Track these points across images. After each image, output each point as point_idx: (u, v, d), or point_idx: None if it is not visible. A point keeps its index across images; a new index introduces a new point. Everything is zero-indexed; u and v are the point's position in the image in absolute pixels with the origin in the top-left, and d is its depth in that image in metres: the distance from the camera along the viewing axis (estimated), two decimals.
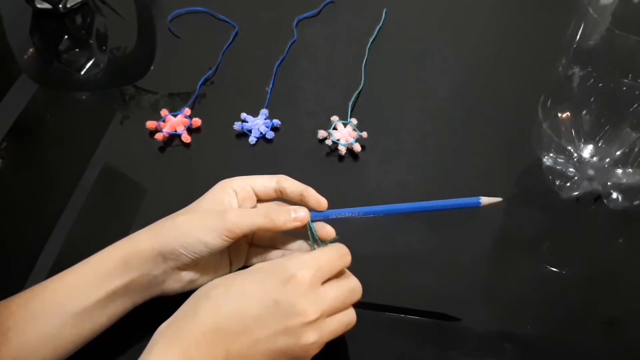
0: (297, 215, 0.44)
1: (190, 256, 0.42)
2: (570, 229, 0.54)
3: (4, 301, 0.41)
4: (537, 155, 0.55)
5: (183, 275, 0.43)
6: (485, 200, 0.43)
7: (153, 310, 0.44)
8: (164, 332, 0.37)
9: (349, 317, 0.41)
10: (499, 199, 0.43)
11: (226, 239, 0.42)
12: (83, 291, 0.41)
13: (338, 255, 0.41)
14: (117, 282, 0.41)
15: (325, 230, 0.45)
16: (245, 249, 0.47)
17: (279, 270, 0.39)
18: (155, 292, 0.44)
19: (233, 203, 0.45)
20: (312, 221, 0.45)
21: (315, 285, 0.39)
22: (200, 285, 0.44)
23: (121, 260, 0.42)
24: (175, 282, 0.43)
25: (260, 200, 0.47)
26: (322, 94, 0.66)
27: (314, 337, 0.38)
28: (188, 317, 0.38)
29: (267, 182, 0.46)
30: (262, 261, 0.46)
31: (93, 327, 0.41)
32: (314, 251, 0.42)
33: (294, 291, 0.38)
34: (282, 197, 0.47)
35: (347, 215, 0.45)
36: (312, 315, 0.38)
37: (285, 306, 0.38)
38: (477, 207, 0.43)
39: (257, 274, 0.39)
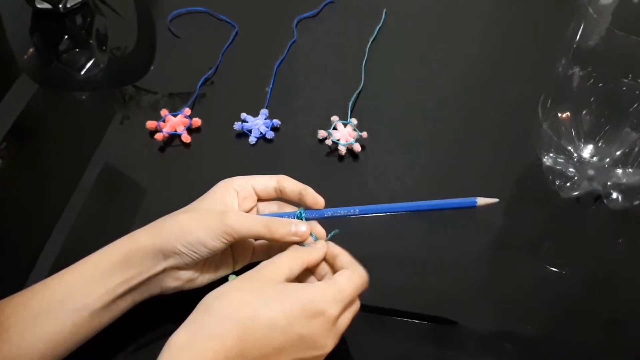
0: (298, 230, 0.43)
1: (190, 255, 0.42)
2: (570, 229, 0.54)
3: (5, 300, 0.41)
4: (537, 155, 0.55)
5: (182, 273, 0.43)
6: (481, 200, 0.42)
7: (152, 309, 0.45)
8: (183, 349, 0.36)
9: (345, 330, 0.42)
10: (495, 200, 0.43)
11: (224, 241, 0.42)
12: (83, 289, 0.41)
13: (361, 285, 0.41)
14: (117, 279, 0.41)
15: (316, 230, 0.44)
16: (250, 247, 0.47)
17: (308, 303, 0.38)
18: (154, 290, 0.43)
19: (234, 203, 0.45)
20: (308, 219, 0.45)
21: (337, 320, 0.39)
22: (200, 285, 0.45)
23: (121, 258, 0.42)
24: (175, 281, 0.43)
25: (260, 199, 0.47)
26: (322, 94, 0.66)
27: None
28: (212, 338, 0.36)
29: (267, 182, 0.46)
30: (268, 257, 0.46)
31: (93, 324, 0.41)
32: (340, 281, 0.40)
33: (319, 328, 0.38)
34: (281, 197, 0.47)
35: (342, 214, 0.45)
36: (329, 348, 0.39)
37: (308, 341, 0.38)
38: (474, 207, 0.43)
39: (284, 301, 0.38)
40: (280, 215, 0.46)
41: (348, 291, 0.40)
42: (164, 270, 0.43)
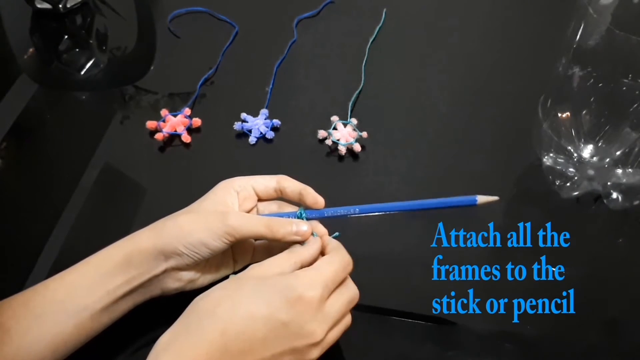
0: (299, 229, 0.43)
1: (191, 256, 0.42)
2: (570, 229, 0.54)
3: (6, 300, 0.41)
4: (537, 155, 0.55)
5: (183, 274, 0.43)
6: (481, 198, 0.43)
7: (153, 310, 0.45)
8: (166, 348, 0.36)
9: (347, 322, 0.41)
10: (495, 198, 0.43)
11: (226, 241, 0.42)
12: (84, 290, 0.41)
13: (343, 267, 0.41)
14: (118, 280, 0.41)
15: (318, 229, 0.45)
16: (251, 247, 0.47)
17: (286, 289, 0.38)
18: (155, 291, 0.43)
19: (234, 204, 0.45)
20: (308, 219, 0.45)
21: (322, 304, 0.39)
22: (201, 285, 0.45)
23: (122, 259, 0.42)
24: (176, 281, 0.43)
25: (260, 199, 0.47)
26: (322, 93, 0.66)
27: (318, 353, 0.39)
28: (192, 334, 0.36)
29: (267, 182, 0.46)
30: (269, 257, 0.46)
31: (93, 325, 0.41)
32: (319, 264, 0.40)
33: (302, 313, 0.37)
34: (281, 197, 0.47)
35: (342, 213, 0.45)
36: (319, 336, 0.38)
37: (293, 328, 0.37)
38: (474, 205, 0.43)
39: (263, 291, 0.38)
40: (281, 215, 0.46)
41: (327, 273, 0.39)
42: (165, 271, 0.43)
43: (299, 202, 0.46)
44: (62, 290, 0.41)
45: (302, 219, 0.45)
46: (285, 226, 0.43)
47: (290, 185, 0.46)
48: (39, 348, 0.39)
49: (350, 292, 0.41)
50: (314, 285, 0.38)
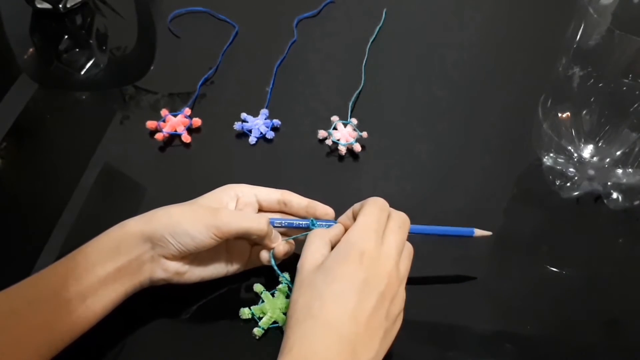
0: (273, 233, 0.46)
1: (176, 247, 0.42)
2: (570, 229, 0.54)
3: (2, 291, 0.41)
4: (537, 155, 0.55)
5: (170, 265, 0.44)
6: (478, 232, 0.48)
7: (147, 309, 0.45)
8: (289, 351, 0.37)
9: (409, 250, 0.43)
10: (489, 233, 0.48)
11: (214, 237, 0.42)
12: (76, 277, 0.41)
13: (378, 210, 0.43)
14: (108, 267, 0.42)
15: (319, 212, 0.47)
16: (247, 250, 0.47)
17: (346, 254, 0.40)
18: (144, 279, 0.44)
19: (230, 205, 0.45)
20: (313, 224, 0.46)
21: (380, 245, 0.41)
22: (188, 280, 0.45)
23: (112, 246, 0.42)
24: (163, 271, 0.44)
25: (262, 209, 0.47)
26: (322, 94, 0.66)
27: (402, 290, 0.41)
28: (307, 341, 0.37)
29: (271, 192, 0.47)
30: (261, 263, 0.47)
31: (87, 314, 0.41)
32: (355, 222, 0.42)
33: (372, 263, 0.40)
34: (284, 210, 0.48)
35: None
36: (392, 270, 0.40)
37: (372, 278, 0.39)
38: (470, 237, 0.48)
39: (331, 271, 0.39)
40: (292, 222, 0.47)
41: (367, 222, 0.41)
42: (152, 259, 0.43)
43: (304, 216, 0.47)
44: (55, 279, 0.41)
45: (314, 227, 0.46)
46: (264, 222, 0.44)
47: (296, 198, 0.47)
48: (34, 336, 0.39)
49: (397, 219, 0.43)
50: (363, 237, 0.41)
